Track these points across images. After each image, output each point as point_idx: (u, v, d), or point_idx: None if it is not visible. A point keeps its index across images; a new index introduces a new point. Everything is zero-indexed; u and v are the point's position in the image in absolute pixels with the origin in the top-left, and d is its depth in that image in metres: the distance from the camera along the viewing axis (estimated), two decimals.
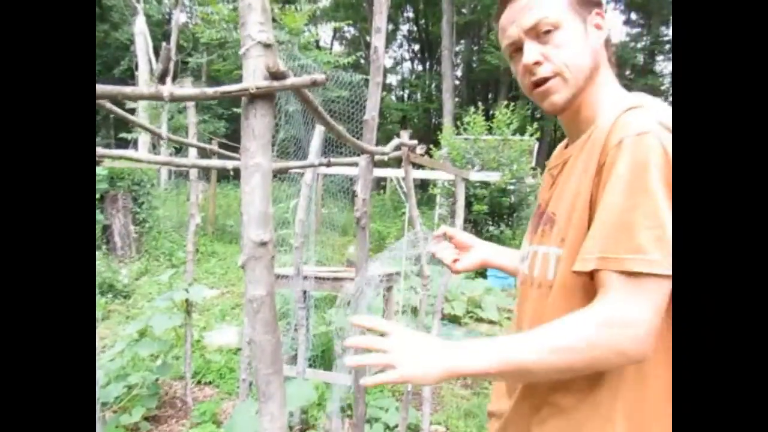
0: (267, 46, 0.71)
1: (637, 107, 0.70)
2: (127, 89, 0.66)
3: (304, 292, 2.64)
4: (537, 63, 0.77)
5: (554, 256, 0.76)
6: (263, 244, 0.72)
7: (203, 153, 2.67)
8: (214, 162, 2.15)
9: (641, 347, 0.62)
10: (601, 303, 0.64)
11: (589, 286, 0.69)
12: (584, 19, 0.77)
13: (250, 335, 0.74)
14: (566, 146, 0.88)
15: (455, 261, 1.02)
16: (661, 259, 0.61)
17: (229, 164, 1.77)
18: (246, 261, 0.72)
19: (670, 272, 0.61)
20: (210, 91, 0.69)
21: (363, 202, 1.41)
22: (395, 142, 1.79)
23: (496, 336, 0.78)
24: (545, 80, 0.77)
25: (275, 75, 0.71)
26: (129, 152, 2.06)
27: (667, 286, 0.62)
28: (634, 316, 0.62)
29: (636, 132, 0.66)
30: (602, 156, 0.69)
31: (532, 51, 0.77)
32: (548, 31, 0.75)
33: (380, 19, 1.33)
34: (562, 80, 0.77)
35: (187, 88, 0.73)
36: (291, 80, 0.72)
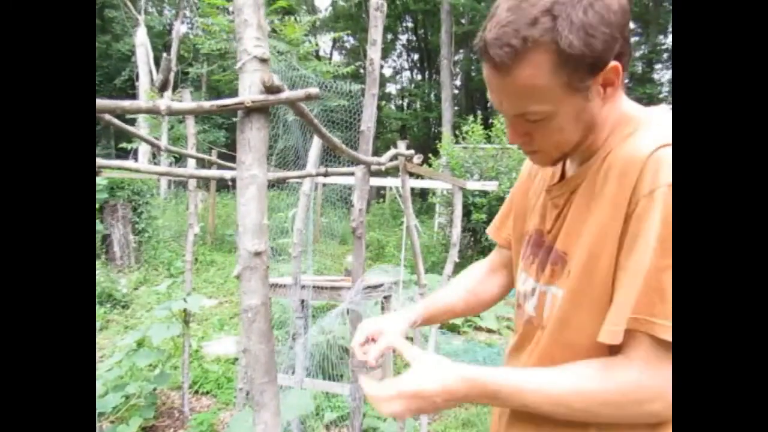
0: (263, 60, 0.73)
1: (667, 146, 0.61)
2: (126, 103, 0.67)
3: (302, 302, 2.64)
4: (521, 141, 0.72)
5: (561, 296, 0.72)
6: (258, 254, 0.74)
7: (202, 163, 2.69)
8: (213, 172, 2.16)
9: (668, 411, 0.59)
10: (627, 366, 0.61)
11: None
12: (587, 88, 0.64)
13: (245, 345, 0.75)
14: (562, 165, 0.80)
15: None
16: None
17: (227, 174, 1.79)
18: (241, 271, 0.74)
19: None
20: (206, 105, 0.70)
21: (359, 212, 1.43)
22: (392, 152, 1.81)
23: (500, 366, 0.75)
24: (529, 151, 0.74)
25: (270, 89, 0.72)
26: (127, 162, 2.07)
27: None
28: (663, 388, 0.59)
29: (667, 181, 0.59)
30: (631, 204, 0.62)
31: (516, 133, 0.70)
32: (538, 119, 0.66)
33: (376, 32, 1.35)
34: (547, 153, 0.72)
35: (184, 102, 0.74)
36: (286, 94, 0.74)
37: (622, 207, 0.63)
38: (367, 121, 1.41)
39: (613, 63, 0.62)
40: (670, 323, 0.57)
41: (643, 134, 0.65)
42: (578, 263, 0.68)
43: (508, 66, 0.62)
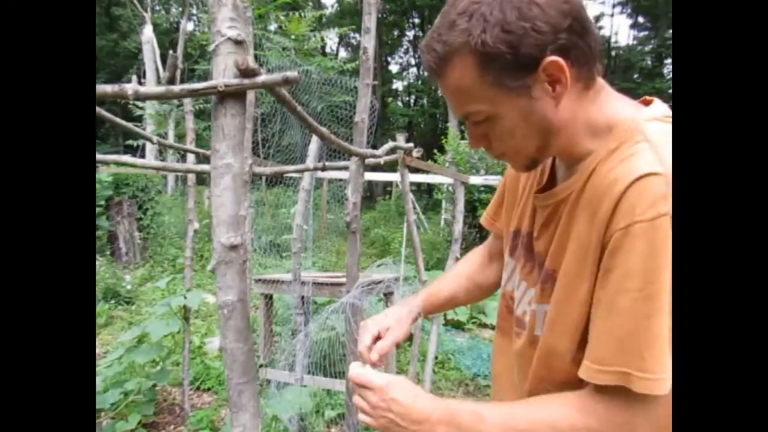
0: (238, 42, 0.69)
1: (652, 175, 0.55)
2: None
3: (302, 298, 2.61)
4: (481, 145, 0.69)
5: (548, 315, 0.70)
6: (234, 247, 0.70)
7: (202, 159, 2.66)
8: (210, 167, 2.13)
9: None
10: (602, 410, 0.58)
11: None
12: (526, 87, 0.60)
13: (221, 343, 0.71)
14: (552, 166, 0.76)
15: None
16: (667, 377, 0.54)
17: None
18: (216, 266, 0.70)
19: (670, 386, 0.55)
20: (176, 89, 0.66)
21: (353, 205, 1.39)
22: (389, 145, 1.77)
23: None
24: (495, 156, 0.71)
25: (245, 72, 0.68)
26: (124, 157, 2.05)
27: (668, 397, 0.56)
28: (630, 426, 0.58)
29: (649, 216, 0.54)
30: (605, 236, 0.58)
31: (474, 137, 0.68)
32: (483, 120, 0.64)
33: (369, 20, 1.31)
34: (512, 158, 0.69)
35: (152, 87, 0.71)
36: (262, 78, 0.70)
37: (598, 238, 0.59)
38: (361, 113, 1.36)
39: (551, 58, 0.58)
40: (653, 377, 0.54)
41: (628, 153, 0.60)
42: (559, 287, 0.66)
43: (436, 71, 0.63)
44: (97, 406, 2.26)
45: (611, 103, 0.66)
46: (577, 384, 0.62)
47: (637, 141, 0.60)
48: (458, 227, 2.56)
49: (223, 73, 0.68)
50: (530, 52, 0.58)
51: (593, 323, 0.60)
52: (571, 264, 0.64)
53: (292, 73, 0.70)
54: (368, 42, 1.32)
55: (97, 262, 5.40)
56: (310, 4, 15.45)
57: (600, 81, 0.66)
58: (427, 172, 4.33)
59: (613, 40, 20.85)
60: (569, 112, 0.63)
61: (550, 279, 0.69)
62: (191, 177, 2.66)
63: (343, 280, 2.77)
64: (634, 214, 0.55)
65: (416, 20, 22.80)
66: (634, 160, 0.58)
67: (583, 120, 0.65)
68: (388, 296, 3.29)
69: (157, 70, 11.52)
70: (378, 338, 0.87)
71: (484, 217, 0.97)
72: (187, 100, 2.70)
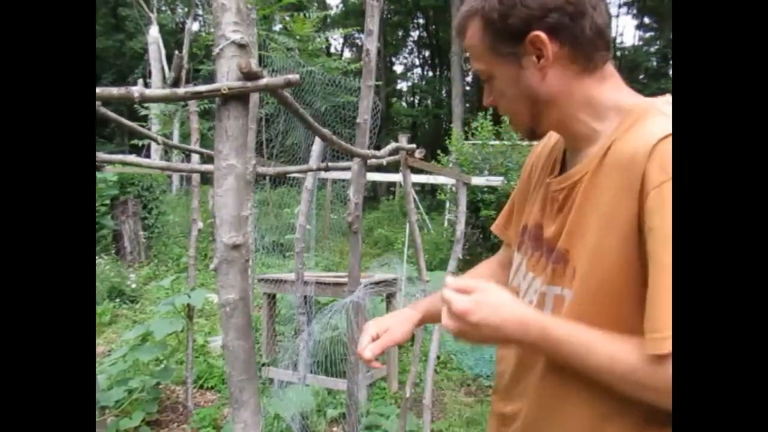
0: (241, 46, 0.70)
1: (671, 136, 0.58)
2: (97, 89, 0.65)
3: (305, 297, 2.63)
4: (488, 102, 0.78)
5: (569, 299, 0.69)
6: (236, 247, 0.71)
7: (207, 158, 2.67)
8: (213, 167, 2.15)
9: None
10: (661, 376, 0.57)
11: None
12: (516, 56, 0.68)
13: (223, 341, 0.73)
14: (562, 159, 0.78)
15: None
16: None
17: None
18: (218, 264, 0.71)
19: None
20: (180, 91, 0.68)
21: (355, 206, 1.40)
22: (392, 145, 1.78)
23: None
24: (501, 115, 0.77)
25: (249, 75, 0.70)
26: (129, 157, 2.07)
27: None
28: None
29: (672, 175, 0.56)
30: (642, 195, 0.59)
31: (486, 94, 0.77)
32: (488, 79, 0.74)
33: (372, 22, 1.32)
34: (513, 120, 0.77)
35: (157, 89, 0.72)
36: (265, 81, 0.71)
37: (631, 201, 0.60)
38: (363, 114, 1.38)
39: (535, 33, 0.65)
40: (663, 335, 0.54)
41: (648, 123, 0.63)
42: (585, 261, 0.66)
43: (460, 30, 0.74)
44: (102, 404, 2.28)
45: (621, 91, 0.71)
46: None
47: (654, 115, 0.64)
48: (460, 228, 2.56)
49: (226, 75, 0.69)
50: (516, 23, 0.66)
51: (648, 289, 0.59)
52: (595, 237, 0.64)
53: (293, 76, 0.71)
54: (370, 44, 1.33)
55: (102, 261, 5.43)
56: (315, 4, 15.48)
57: (610, 69, 0.71)
58: (430, 172, 4.33)
59: (618, 40, 20.80)
60: (559, 88, 0.69)
61: (563, 259, 0.70)
62: (195, 177, 2.68)
63: (346, 280, 2.78)
64: (667, 172, 0.57)
65: (421, 21, 22.80)
66: (657, 123, 0.61)
67: (581, 98, 0.69)
68: (390, 297, 3.30)
69: (162, 70, 11.56)
70: (377, 339, 0.87)
71: (496, 225, 0.97)
72: (191, 101, 2.72)
